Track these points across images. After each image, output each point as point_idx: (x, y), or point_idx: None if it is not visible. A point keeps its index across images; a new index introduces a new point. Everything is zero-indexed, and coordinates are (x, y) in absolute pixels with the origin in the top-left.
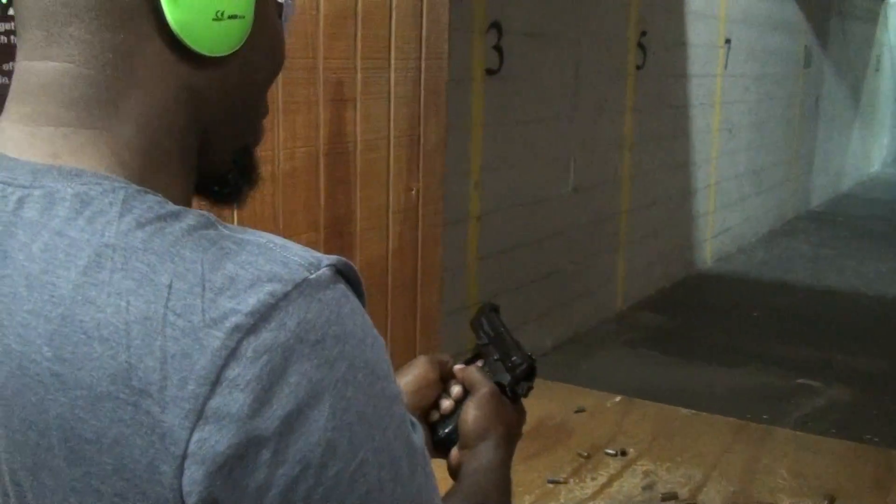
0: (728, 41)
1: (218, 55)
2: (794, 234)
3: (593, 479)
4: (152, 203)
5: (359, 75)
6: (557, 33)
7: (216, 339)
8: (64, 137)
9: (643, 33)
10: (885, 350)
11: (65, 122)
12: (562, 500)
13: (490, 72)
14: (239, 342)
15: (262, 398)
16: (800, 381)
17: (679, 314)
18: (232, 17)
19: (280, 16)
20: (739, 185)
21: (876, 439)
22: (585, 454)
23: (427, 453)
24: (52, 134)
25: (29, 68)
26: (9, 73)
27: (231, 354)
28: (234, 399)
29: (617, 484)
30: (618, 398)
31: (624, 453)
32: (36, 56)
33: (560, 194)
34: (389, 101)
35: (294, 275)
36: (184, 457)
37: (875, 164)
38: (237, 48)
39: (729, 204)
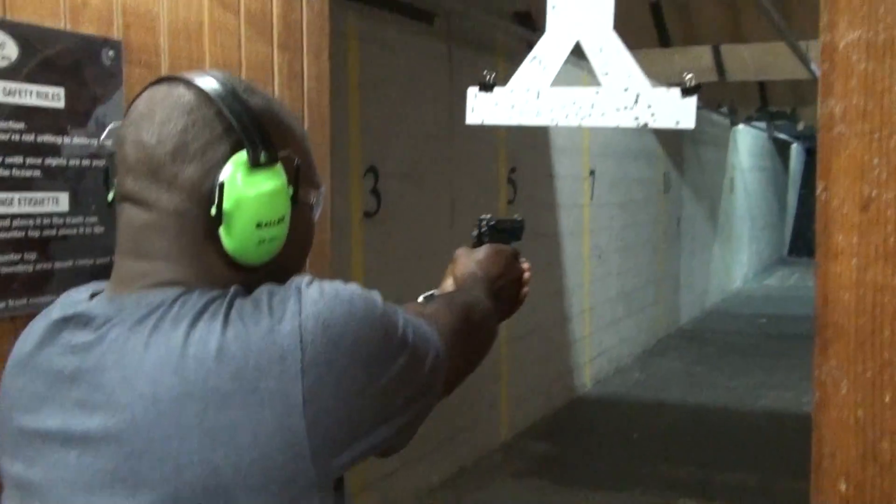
0: (592, 172)
1: (260, 263)
2: (666, 353)
3: None
4: (214, 290)
5: None
6: (431, 174)
7: (286, 325)
8: (153, 287)
9: (513, 169)
10: (757, 464)
11: (154, 284)
12: None
13: (367, 214)
14: (300, 321)
15: (333, 342)
16: (681, 500)
17: (563, 440)
18: (271, 240)
19: (312, 209)
20: (612, 308)
21: None
22: None
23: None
24: (151, 288)
25: (124, 264)
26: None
27: (301, 328)
28: (317, 351)
29: None
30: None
31: None
32: (130, 257)
33: None
34: None
35: (300, 281)
36: (303, 402)
37: (737, 280)
38: (275, 255)
39: (603, 327)
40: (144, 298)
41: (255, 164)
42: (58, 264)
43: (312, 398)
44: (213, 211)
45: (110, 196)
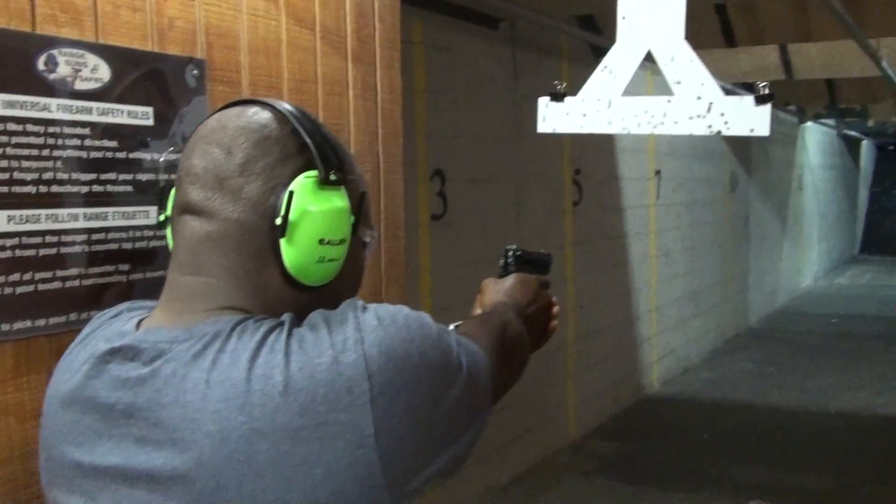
0: (658, 172)
1: (316, 285)
2: (735, 353)
3: None
4: (269, 319)
5: None
6: (497, 176)
7: (350, 355)
8: (206, 315)
9: (577, 171)
10: (831, 466)
11: (208, 308)
12: None
13: (435, 217)
14: (364, 349)
15: (397, 368)
16: (753, 502)
17: (631, 440)
18: (330, 260)
19: (364, 248)
20: (680, 308)
21: None
22: None
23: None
24: (197, 316)
25: (181, 280)
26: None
27: (364, 357)
28: (385, 379)
29: None
30: None
31: None
32: (187, 272)
33: None
34: None
35: (352, 306)
36: (375, 434)
37: (807, 278)
38: (330, 280)
39: (671, 327)
40: (198, 329)
41: (324, 182)
42: (148, 274)
43: (383, 428)
44: (279, 220)
45: (163, 215)
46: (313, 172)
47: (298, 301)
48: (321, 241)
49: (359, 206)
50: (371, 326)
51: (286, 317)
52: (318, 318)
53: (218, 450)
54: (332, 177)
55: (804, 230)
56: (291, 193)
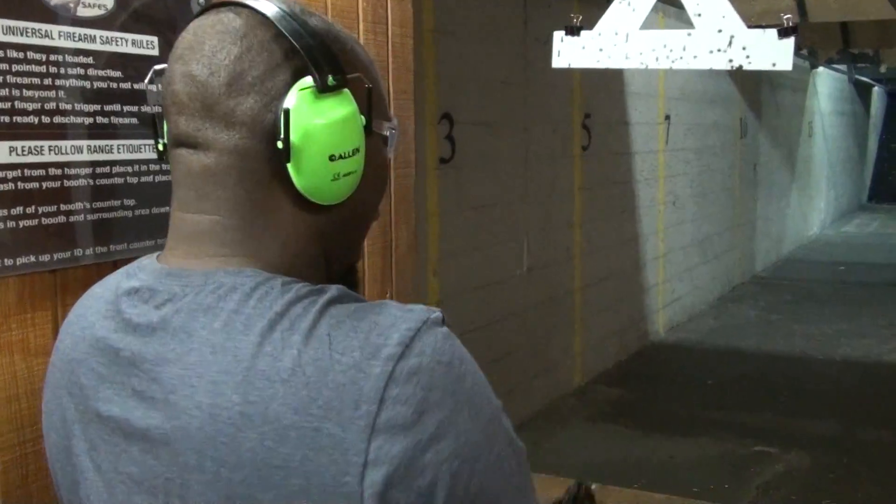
0: (667, 117)
1: (335, 203)
2: (741, 301)
3: None
4: (301, 285)
5: None
6: (506, 120)
7: (376, 367)
8: (221, 262)
9: (587, 115)
10: (837, 412)
11: (220, 254)
12: None
13: (443, 161)
14: (394, 367)
15: (420, 410)
16: (757, 448)
17: (636, 386)
18: (346, 174)
19: (386, 144)
20: (687, 255)
21: None
22: None
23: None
24: (211, 261)
25: (184, 218)
26: None
27: (390, 377)
28: (398, 412)
29: None
30: (592, 486)
31: None
32: (189, 210)
33: (515, 275)
34: None
35: (420, 316)
36: (364, 465)
37: (814, 226)
38: (351, 194)
39: (677, 274)
40: (213, 277)
41: (322, 90)
42: (155, 210)
43: (378, 462)
44: (280, 144)
45: (160, 144)
46: (308, 81)
47: (318, 224)
48: (332, 158)
49: (368, 104)
50: (418, 350)
51: (332, 291)
52: (371, 309)
53: (205, 427)
54: (331, 81)
55: (813, 178)
56: (287, 112)
